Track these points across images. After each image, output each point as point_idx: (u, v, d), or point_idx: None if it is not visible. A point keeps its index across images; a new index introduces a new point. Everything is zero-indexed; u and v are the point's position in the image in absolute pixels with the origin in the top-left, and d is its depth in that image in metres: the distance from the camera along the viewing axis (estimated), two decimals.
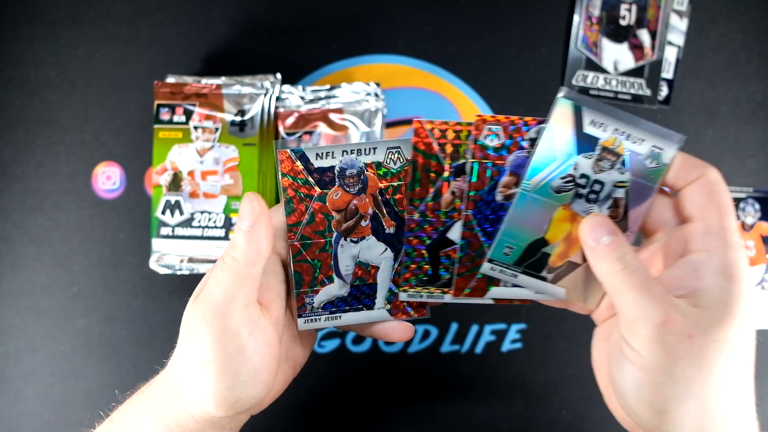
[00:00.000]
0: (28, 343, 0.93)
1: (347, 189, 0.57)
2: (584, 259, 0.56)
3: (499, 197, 0.56)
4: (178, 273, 0.86)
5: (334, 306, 0.59)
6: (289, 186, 0.57)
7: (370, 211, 0.57)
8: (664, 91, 0.94)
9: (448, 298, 0.59)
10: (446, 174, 0.56)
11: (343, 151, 0.56)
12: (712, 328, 0.49)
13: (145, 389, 0.65)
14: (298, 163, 0.56)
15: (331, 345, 0.93)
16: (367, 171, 0.57)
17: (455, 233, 0.57)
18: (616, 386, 0.53)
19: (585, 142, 0.54)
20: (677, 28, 0.94)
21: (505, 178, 0.56)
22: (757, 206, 0.93)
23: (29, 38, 0.94)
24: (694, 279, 0.51)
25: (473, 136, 0.55)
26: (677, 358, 0.49)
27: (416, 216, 0.57)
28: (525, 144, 0.55)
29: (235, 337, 0.55)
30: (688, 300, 0.51)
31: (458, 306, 0.93)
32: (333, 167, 0.56)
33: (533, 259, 0.57)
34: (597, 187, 0.55)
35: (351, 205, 0.57)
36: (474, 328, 0.93)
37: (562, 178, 0.55)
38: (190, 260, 0.84)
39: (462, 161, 0.56)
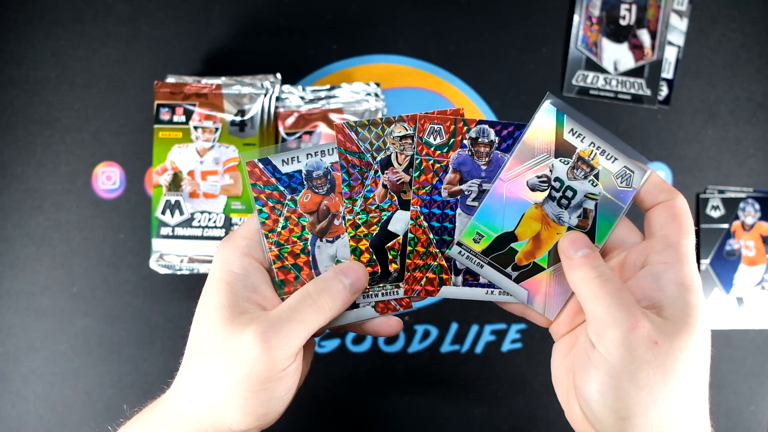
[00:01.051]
0: (28, 343, 0.93)
1: (316, 190, 0.58)
2: (551, 264, 0.57)
3: (444, 194, 0.57)
4: (178, 273, 0.86)
5: None
6: (260, 194, 0.57)
7: (342, 209, 0.58)
8: (664, 91, 0.94)
9: (401, 293, 0.59)
10: (374, 168, 0.57)
11: (307, 155, 0.56)
12: (676, 336, 0.51)
13: (153, 407, 0.65)
14: (266, 171, 0.57)
15: (331, 345, 0.93)
16: (333, 171, 0.57)
17: (395, 225, 0.58)
18: (580, 394, 0.54)
19: (563, 149, 0.56)
20: (677, 28, 0.94)
21: (449, 176, 0.57)
22: (757, 206, 0.93)
23: (29, 38, 0.94)
24: (657, 289, 0.53)
25: (417, 134, 0.57)
26: (643, 363, 0.50)
27: (354, 215, 0.58)
28: (467, 143, 0.57)
29: (286, 362, 0.56)
30: (653, 310, 0.53)
31: (458, 305, 0.93)
32: (300, 171, 0.57)
33: (500, 252, 0.58)
34: (569, 193, 0.57)
35: (322, 206, 0.58)
36: (474, 328, 0.93)
37: (538, 177, 0.57)
38: (190, 260, 0.84)
39: (388, 153, 0.57)
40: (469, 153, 0.56)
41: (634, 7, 0.94)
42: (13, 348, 0.93)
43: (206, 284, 0.59)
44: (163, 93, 0.85)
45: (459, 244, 0.58)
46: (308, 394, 0.93)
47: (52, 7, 0.94)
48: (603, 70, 0.94)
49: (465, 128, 0.56)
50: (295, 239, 0.58)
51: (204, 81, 0.87)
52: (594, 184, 0.56)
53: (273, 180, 0.57)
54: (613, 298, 0.52)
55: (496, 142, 0.56)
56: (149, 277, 0.92)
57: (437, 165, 0.57)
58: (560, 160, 0.56)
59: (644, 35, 0.94)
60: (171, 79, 0.88)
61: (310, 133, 0.87)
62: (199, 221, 0.84)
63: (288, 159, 0.57)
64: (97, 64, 0.94)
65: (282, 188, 0.57)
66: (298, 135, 0.87)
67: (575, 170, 0.56)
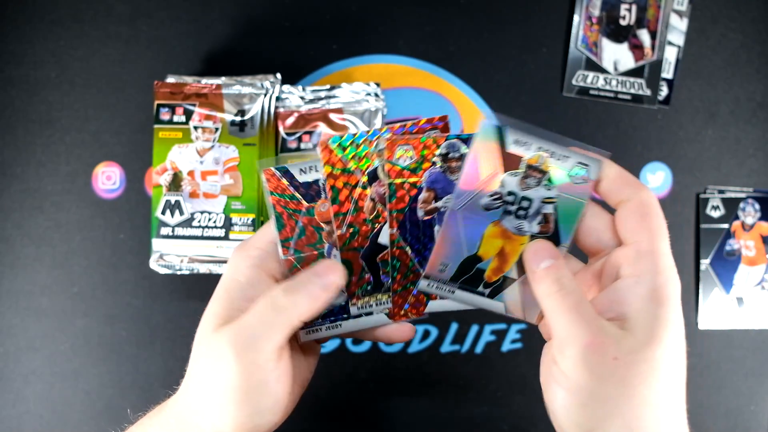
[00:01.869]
0: (28, 343, 0.93)
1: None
2: (519, 274, 0.57)
3: (420, 213, 0.57)
4: (178, 273, 0.86)
5: (333, 315, 0.59)
6: (277, 203, 0.57)
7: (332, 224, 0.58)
8: (664, 91, 0.94)
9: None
10: (362, 182, 0.57)
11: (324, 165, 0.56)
12: (638, 350, 0.50)
13: (157, 412, 0.65)
14: (284, 180, 0.57)
15: (331, 345, 0.93)
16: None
17: (384, 236, 0.58)
18: (548, 406, 0.54)
19: (510, 162, 0.55)
20: (677, 28, 0.94)
21: (423, 194, 0.57)
22: (757, 206, 0.93)
23: (29, 38, 0.94)
24: (624, 303, 0.52)
25: (386, 158, 0.56)
26: (602, 379, 0.50)
27: (344, 230, 0.57)
28: (437, 160, 0.56)
29: (262, 370, 0.56)
30: (617, 323, 0.52)
31: None
32: (317, 181, 0.56)
33: (468, 275, 0.58)
34: (525, 203, 0.56)
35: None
36: (474, 328, 0.93)
37: (490, 195, 0.56)
38: (190, 260, 0.84)
39: (374, 167, 0.57)
40: (442, 170, 0.56)
41: (634, 7, 0.94)
42: (13, 348, 0.93)
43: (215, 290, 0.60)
44: (163, 93, 0.85)
45: (426, 276, 0.58)
46: (308, 394, 0.93)
47: (52, 7, 0.94)
48: (603, 70, 0.94)
49: (435, 145, 0.56)
50: (312, 248, 0.58)
51: (204, 81, 0.87)
52: (549, 188, 0.55)
53: (290, 189, 0.57)
54: (572, 314, 0.52)
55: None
56: (149, 277, 0.92)
57: (410, 186, 0.57)
58: (509, 174, 0.55)
59: (644, 35, 0.94)
60: (171, 79, 0.88)
61: (310, 133, 0.87)
62: (199, 221, 0.84)
63: (306, 168, 0.57)
64: (97, 64, 0.94)
65: (299, 197, 0.57)
66: (298, 135, 0.87)
67: (527, 179, 0.55)
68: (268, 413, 0.58)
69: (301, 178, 0.57)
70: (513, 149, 0.55)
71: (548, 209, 0.56)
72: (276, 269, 0.59)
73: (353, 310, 0.59)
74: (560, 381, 0.52)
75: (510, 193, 0.56)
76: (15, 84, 0.94)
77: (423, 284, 0.58)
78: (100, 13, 0.95)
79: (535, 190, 0.56)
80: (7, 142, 0.93)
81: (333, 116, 0.87)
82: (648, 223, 0.53)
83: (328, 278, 0.57)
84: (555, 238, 0.56)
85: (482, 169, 0.55)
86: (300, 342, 0.61)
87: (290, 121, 0.87)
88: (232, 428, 0.57)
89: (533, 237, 0.56)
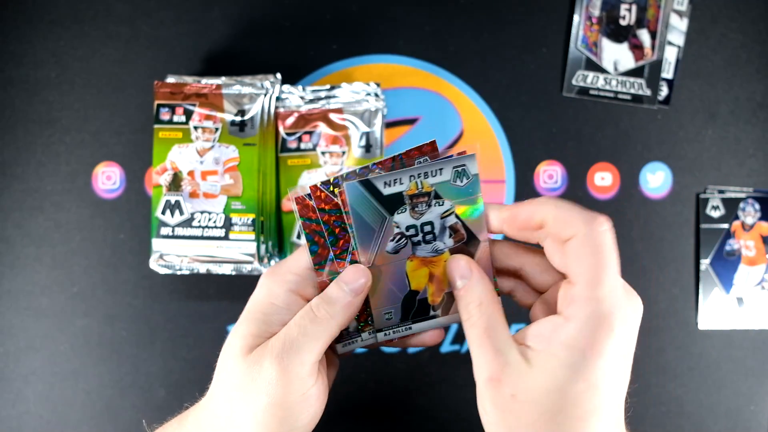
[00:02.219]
0: (28, 343, 0.93)
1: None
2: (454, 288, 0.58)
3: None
4: (178, 273, 0.86)
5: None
6: (308, 228, 0.57)
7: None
8: (664, 91, 0.94)
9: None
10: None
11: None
12: (534, 390, 0.50)
13: (179, 422, 0.66)
14: (333, 197, 0.56)
15: None
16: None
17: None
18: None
19: (392, 203, 0.56)
20: (677, 28, 0.94)
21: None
22: (757, 206, 0.93)
23: (29, 38, 0.94)
24: (542, 340, 0.52)
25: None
26: (504, 413, 0.51)
27: (326, 277, 0.58)
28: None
29: (304, 384, 0.57)
30: (528, 356, 0.52)
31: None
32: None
33: (415, 308, 0.60)
34: (427, 228, 0.57)
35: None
36: None
37: (392, 240, 0.57)
38: (190, 260, 0.84)
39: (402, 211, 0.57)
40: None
41: (634, 7, 0.94)
42: (13, 348, 0.93)
43: (243, 312, 0.60)
44: (163, 93, 0.85)
45: (379, 330, 0.60)
46: None
47: (52, 7, 0.94)
48: (603, 70, 0.94)
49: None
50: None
51: (204, 81, 0.87)
52: (441, 204, 0.56)
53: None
54: (477, 347, 0.53)
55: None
56: (149, 277, 0.92)
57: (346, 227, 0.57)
58: (398, 213, 0.56)
59: (644, 35, 0.94)
60: (171, 79, 0.88)
61: (310, 133, 0.87)
62: (199, 221, 0.84)
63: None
64: (97, 64, 0.94)
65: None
66: (298, 135, 0.87)
67: (416, 208, 0.56)
68: (306, 428, 0.60)
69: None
70: (388, 191, 0.55)
71: (451, 220, 0.56)
72: (312, 294, 0.59)
73: (365, 335, 0.61)
74: (481, 414, 0.53)
75: (408, 228, 0.57)
76: (15, 84, 0.94)
77: (381, 336, 0.60)
78: (100, 13, 0.95)
79: (429, 212, 0.56)
80: (7, 142, 0.93)
81: (333, 116, 0.87)
82: (586, 261, 0.51)
83: (357, 283, 0.57)
84: (473, 239, 0.57)
85: (370, 223, 0.56)
86: (339, 353, 0.63)
87: (290, 121, 0.87)
88: None
89: (453, 250, 0.57)
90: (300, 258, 0.59)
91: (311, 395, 0.58)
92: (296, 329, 0.57)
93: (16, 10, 0.94)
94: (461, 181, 0.55)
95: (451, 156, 0.55)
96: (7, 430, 0.92)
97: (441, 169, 0.55)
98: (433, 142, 0.56)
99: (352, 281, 0.57)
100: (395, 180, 0.55)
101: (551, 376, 0.51)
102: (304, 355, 0.56)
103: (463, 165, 0.55)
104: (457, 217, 0.56)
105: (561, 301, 0.53)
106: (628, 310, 0.52)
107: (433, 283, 0.59)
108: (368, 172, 0.55)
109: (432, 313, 0.59)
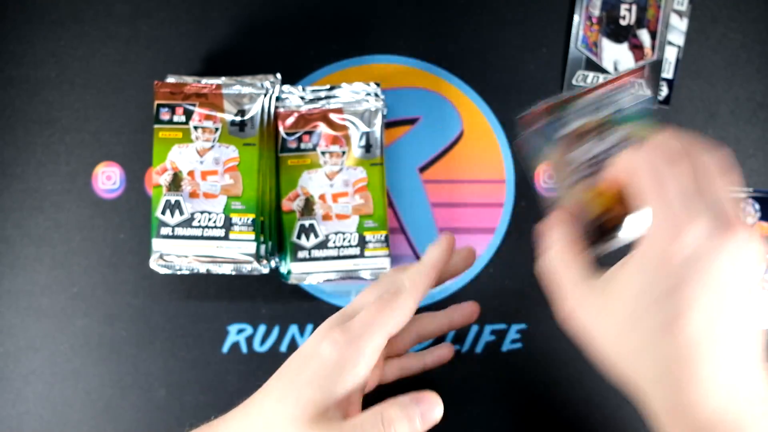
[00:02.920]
0: (28, 343, 0.93)
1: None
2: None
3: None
4: (178, 273, 0.86)
5: None
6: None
7: None
8: (664, 91, 0.94)
9: None
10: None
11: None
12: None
13: None
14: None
15: None
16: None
17: None
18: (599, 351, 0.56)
19: (574, 138, 0.60)
20: (677, 28, 0.94)
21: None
22: (757, 206, 0.93)
23: (29, 38, 0.94)
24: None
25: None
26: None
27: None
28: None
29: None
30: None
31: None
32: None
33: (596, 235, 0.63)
34: (613, 151, 0.60)
35: None
36: (474, 328, 0.93)
37: (587, 165, 0.60)
38: (190, 260, 0.84)
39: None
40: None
41: (634, 7, 0.94)
42: (13, 348, 0.93)
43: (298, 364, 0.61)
44: (163, 93, 0.85)
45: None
46: None
47: (52, 7, 0.94)
48: (603, 70, 0.94)
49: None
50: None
51: (204, 81, 0.87)
52: (617, 131, 0.59)
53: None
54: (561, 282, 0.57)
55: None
56: (149, 277, 0.92)
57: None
58: (588, 143, 0.59)
59: (644, 35, 0.94)
60: (171, 79, 0.88)
61: (310, 133, 0.87)
62: (199, 221, 0.84)
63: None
64: (97, 64, 0.94)
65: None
66: (298, 135, 0.87)
67: (599, 136, 0.59)
68: None
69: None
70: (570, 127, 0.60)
71: (633, 142, 0.58)
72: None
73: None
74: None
75: (594, 156, 0.60)
76: (15, 84, 0.94)
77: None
78: (100, 13, 0.95)
79: (609, 139, 0.59)
80: (7, 142, 0.93)
81: (333, 116, 0.87)
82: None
83: (423, 407, 0.59)
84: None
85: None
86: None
87: (290, 121, 0.87)
88: None
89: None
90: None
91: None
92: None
93: (16, 10, 0.94)
94: (633, 99, 0.58)
95: (625, 83, 0.58)
96: (7, 430, 0.92)
97: (616, 99, 0.58)
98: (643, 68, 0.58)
99: (423, 402, 0.59)
100: (577, 115, 0.59)
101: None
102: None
103: (639, 81, 0.58)
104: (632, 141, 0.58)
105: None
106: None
107: (612, 209, 0.60)
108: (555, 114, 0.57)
109: (616, 234, 0.61)
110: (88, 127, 0.94)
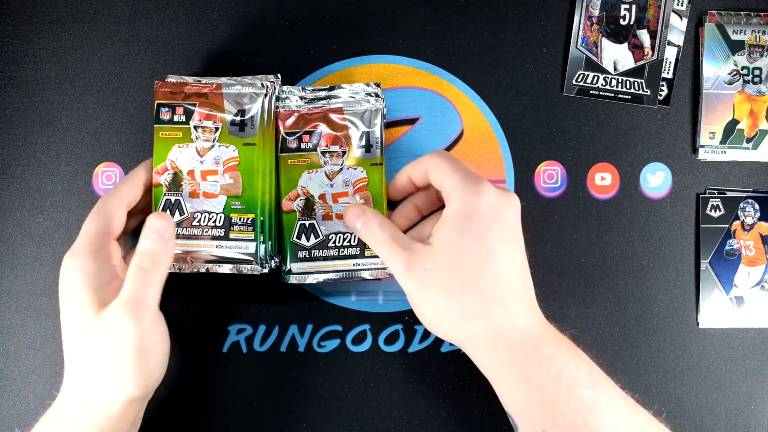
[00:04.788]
0: (28, 343, 0.93)
1: None
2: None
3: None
4: (179, 272, 0.86)
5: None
6: None
7: None
8: (664, 91, 0.94)
9: None
10: None
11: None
12: (439, 256, 0.71)
13: (52, 412, 0.76)
14: None
15: (331, 345, 0.93)
16: None
17: None
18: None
19: (735, 47, 0.87)
20: (677, 28, 0.94)
21: None
22: (757, 206, 0.93)
23: (29, 38, 0.94)
24: (434, 226, 0.75)
25: None
26: (424, 286, 0.71)
27: None
28: None
29: (154, 330, 0.73)
30: (427, 242, 0.73)
31: None
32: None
33: (732, 135, 0.90)
34: (756, 72, 0.86)
35: None
36: None
37: (729, 73, 0.87)
38: (191, 260, 0.84)
39: None
40: None
41: (634, 7, 0.94)
42: (13, 348, 0.93)
43: (65, 291, 0.76)
44: (164, 93, 0.85)
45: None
46: (309, 393, 0.93)
47: (52, 7, 0.94)
48: (603, 70, 0.94)
49: None
50: None
51: (204, 81, 0.87)
52: None
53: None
54: (388, 253, 0.74)
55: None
56: None
57: None
58: (738, 54, 0.87)
59: (644, 35, 0.94)
60: (171, 79, 0.88)
61: (310, 133, 0.87)
62: (199, 221, 0.84)
63: None
64: (97, 64, 0.94)
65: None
66: (298, 135, 0.87)
67: (752, 55, 0.85)
68: (158, 369, 0.76)
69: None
70: (734, 37, 0.87)
71: None
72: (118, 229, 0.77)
73: None
74: (408, 297, 0.74)
75: (743, 68, 0.85)
76: (15, 84, 0.94)
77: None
78: (100, 13, 0.95)
79: (761, 61, 0.85)
80: (7, 142, 0.93)
81: (333, 116, 0.87)
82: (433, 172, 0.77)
83: (162, 229, 0.74)
84: None
85: (717, 56, 0.90)
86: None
87: (290, 121, 0.87)
88: (136, 388, 0.71)
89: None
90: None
91: (159, 340, 0.75)
92: (132, 285, 0.71)
93: (16, 10, 0.94)
94: None
95: None
96: (7, 430, 0.92)
97: None
98: None
99: (157, 229, 0.74)
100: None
101: (447, 240, 0.71)
102: (149, 306, 0.72)
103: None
104: None
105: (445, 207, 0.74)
106: (496, 189, 0.73)
107: (750, 119, 0.88)
108: None
109: (744, 144, 0.91)
110: (88, 127, 0.94)
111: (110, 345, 0.70)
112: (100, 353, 0.70)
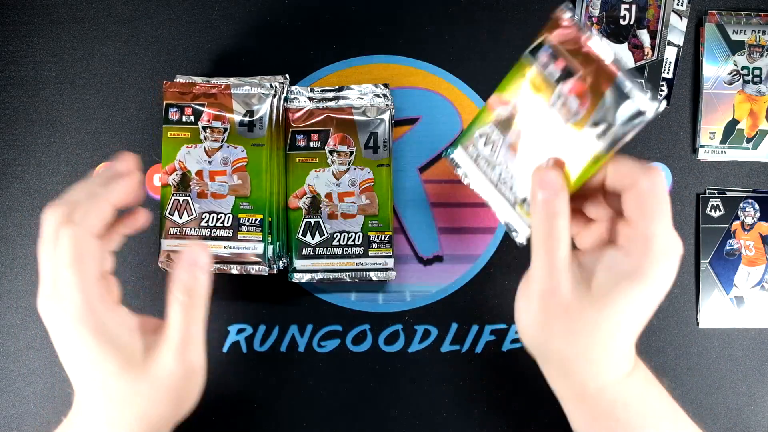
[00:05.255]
0: (28, 343, 0.92)
1: None
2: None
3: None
4: None
5: None
6: None
7: None
8: (664, 91, 0.95)
9: None
10: None
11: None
12: (588, 309, 0.59)
13: None
14: None
15: (331, 345, 0.93)
16: None
17: None
18: (515, 318, 0.66)
19: (735, 47, 0.87)
20: (677, 28, 0.94)
21: None
22: (757, 206, 0.93)
23: (29, 38, 0.94)
24: (602, 268, 0.61)
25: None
26: (550, 321, 0.61)
27: None
28: None
29: (203, 369, 0.68)
30: (587, 281, 0.61)
31: (459, 306, 0.93)
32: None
33: (733, 135, 0.90)
34: (756, 72, 0.86)
35: None
36: (474, 328, 0.93)
37: (729, 73, 0.86)
38: None
39: None
40: None
41: (634, 7, 0.94)
42: (13, 348, 0.92)
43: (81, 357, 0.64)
44: (172, 93, 0.85)
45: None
46: (309, 394, 0.93)
47: (52, 7, 0.94)
48: None
49: None
50: None
51: (213, 81, 0.87)
52: None
53: None
54: (547, 264, 0.60)
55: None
56: (150, 277, 0.92)
57: None
58: (737, 54, 0.86)
59: (644, 35, 0.94)
60: (180, 79, 0.88)
61: (318, 132, 0.87)
62: (207, 221, 0.84)
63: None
64: (97, 64, 0.94)
65: None
66: (306, 134, 0.87)
67: (752, 55, 0.85)
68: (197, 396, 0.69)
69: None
70: (734, 37, 0.87)
71: None
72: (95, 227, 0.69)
73: None
74: (527, 303, 0.63)
75: (743, 68, 0.84)
76: (15, 84, 0.94)
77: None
78: (100, 13, 0.95)
79: (761, 61, 0.85)
80: (7, 142, 0.93)
81: (341, 116, 0.87)
82: (646, 209, 0.58)
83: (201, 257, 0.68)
84: None
85: (717, 55, 0.90)
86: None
87: (299, 119, 0.88)
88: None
89: None
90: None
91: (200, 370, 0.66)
92: (179, 328, 0.66)
93: (16, 10, 0.94)
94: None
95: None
96: (7, 430, 0.92)
97: None
98: None
99: (197, 261, 0.67)
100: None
101: (603, 302, 0.59)
102: (197, 346, 0.65)
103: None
104: None
105: (621, 238, 0.61)
106: (673, 249, 0.58)
107: (750, 119, 0.88)
108: None
109: (744, 144, 0.92)
110: (88, 127, 0.94)
111: (156, 397, 0.64)
112: (141, 402, 0.63)
